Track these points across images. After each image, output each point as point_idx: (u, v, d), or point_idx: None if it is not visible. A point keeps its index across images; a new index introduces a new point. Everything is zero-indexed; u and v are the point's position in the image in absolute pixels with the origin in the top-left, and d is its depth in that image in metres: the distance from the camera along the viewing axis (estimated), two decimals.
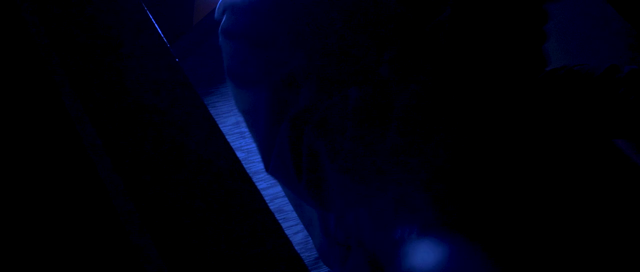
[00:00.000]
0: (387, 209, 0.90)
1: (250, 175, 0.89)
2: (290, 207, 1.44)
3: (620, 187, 0.85)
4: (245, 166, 0.87)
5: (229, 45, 1.03)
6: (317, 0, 0.92)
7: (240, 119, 1.63)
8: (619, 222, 0.82)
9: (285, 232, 0.87)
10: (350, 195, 0.88)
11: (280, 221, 0.86)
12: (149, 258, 0.81)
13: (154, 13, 0.95)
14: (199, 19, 1.73)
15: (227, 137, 0.90)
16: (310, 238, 1.37)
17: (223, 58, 1.07)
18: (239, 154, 1.37)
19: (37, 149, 0.84)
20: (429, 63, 0.83)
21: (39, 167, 0.83)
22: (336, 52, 0.89)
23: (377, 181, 0.84)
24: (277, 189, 1.50)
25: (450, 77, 0.81)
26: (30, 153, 0.83)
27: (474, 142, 0.83)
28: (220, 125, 0.90)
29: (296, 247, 0.90)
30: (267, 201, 0.86)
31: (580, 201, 0.84)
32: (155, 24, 0.93)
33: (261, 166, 1.55)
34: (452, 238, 0.79)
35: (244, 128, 1.62)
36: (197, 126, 0.86)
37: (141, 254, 0.82)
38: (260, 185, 1.48)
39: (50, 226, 0.81)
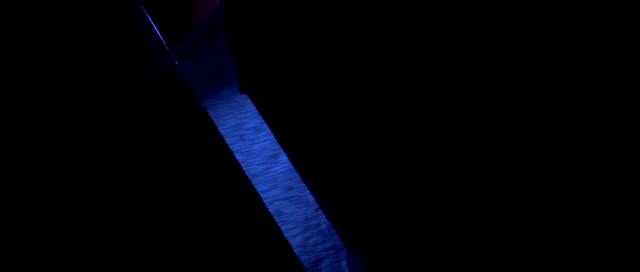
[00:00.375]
0: None
1: (250, 177, 0.89)
2: (289, 209, 1.44)
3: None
4: (244, 169, 0.87)
5: None
6: None
7: (240, 121, 1.63)
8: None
9: (284, 235, 0.87)
10: None
11: (279, 224, 0.86)
12: (146, 258, 0.80)
13: (153, 15, 0.95)
14: (199, 21, 1.73)
15: (226, 139, 0.90)
16: (309, 241, 1.36)
17: None
18: (238, 157, 1.37)
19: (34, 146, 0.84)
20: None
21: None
22: None
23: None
24: (277, 191, 1.50)
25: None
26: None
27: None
28: (219, 128, 0.90)
29: (295, 250, 0.90)
30: (266, 204, 0.86)
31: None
32: (155, 27, 0.93)
33: (260, 168, 1.55)
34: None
35: (243, 130, 1.62)
36: (196, 128, 0.86)
37: (137, 253, 0.81)
38: (259, 188, 1.47)
39: None
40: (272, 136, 1.43)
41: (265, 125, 1.46)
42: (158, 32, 0.92)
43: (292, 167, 1.33)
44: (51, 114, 0.84)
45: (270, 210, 0.90)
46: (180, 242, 0.79)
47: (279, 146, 1.40)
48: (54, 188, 0.82)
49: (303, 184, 1.14)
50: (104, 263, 0.81)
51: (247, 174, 0.89)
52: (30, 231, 0.80)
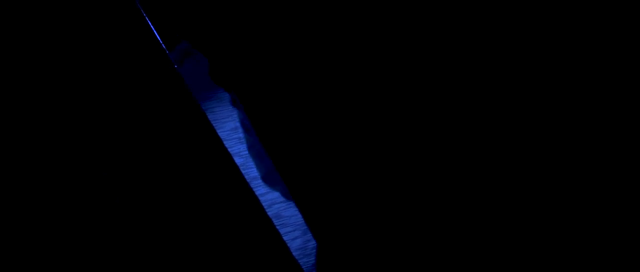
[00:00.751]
0: None
1: (248, 180, 0.89)
2: (288, 212, 1.43)
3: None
4: (243, 172, 0.87)
5: None
6: None
7: (239, 124, 1.62)
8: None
9: (284, 237, 0.87)
10: None
11: (278, 227, 0.86)
12: (145, 261, 0.80)
13: (152, 17, 0.94)
14: None
15: (225, 142, 0.90)
16: (309, 244, 1.36)
17: None
18: (237, 160, 1.37)
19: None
20: None
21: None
22: None
23: None
24: (276, 194, 1.49)
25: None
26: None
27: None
28: (218, 131, 0.90)
29: (294, 253, 0.90)
30: (265, 207, 0.85)
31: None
32: (154, 29, 0.92)
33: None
34: None
35: (242, 133, 1.62)
36: (195, 131, 0.86)
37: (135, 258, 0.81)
38: (258, 190, 1.47)
39: None
40: None
41: None
42: (157, 33, 0.91)
43: None
44: (48, 115, 0.84)
45: (269, 213, 0.89)
46: (179, 244, 0.79)
47: None
48: (52, 188, 0.82)
49: None
50: (102, 265, 0.81)
51: (246, 176, 0.88)
52: (28, 231, 0.79)
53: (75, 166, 0.84)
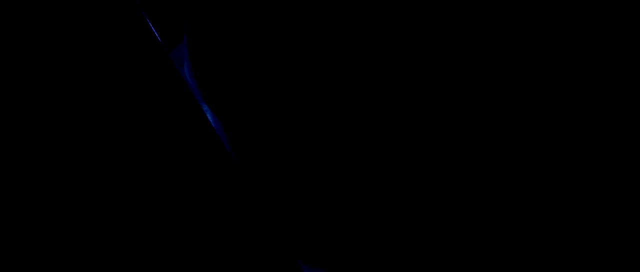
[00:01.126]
0: None
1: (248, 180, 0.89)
2: None
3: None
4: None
5: None
6: None
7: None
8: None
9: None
10: None
11: None
12: (143, 259, 0.80)
13: (152, 17, 0.94)
14: None
15: (225, 142, 0.90)
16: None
17: None
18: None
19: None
20: None
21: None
22: None
23: None
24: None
25: None
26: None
27: None
28: (217, 131, 0.90)
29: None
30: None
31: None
32: (153, 28, 0.92)
33: None
34: None
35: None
36: (194, 131, 0.86)
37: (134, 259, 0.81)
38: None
39: None
40: None
41: None
42: (157, 33, 0.91)
43: None
44: (48, 115, 0.84)
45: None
46: (179, 244, 0.79)
47: None
48: (51, 187, 0.82)
49: None
50: (103, 265, 0.81)
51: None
52: (28, 231, 0.80)
53: (76, 166, 0.84)
